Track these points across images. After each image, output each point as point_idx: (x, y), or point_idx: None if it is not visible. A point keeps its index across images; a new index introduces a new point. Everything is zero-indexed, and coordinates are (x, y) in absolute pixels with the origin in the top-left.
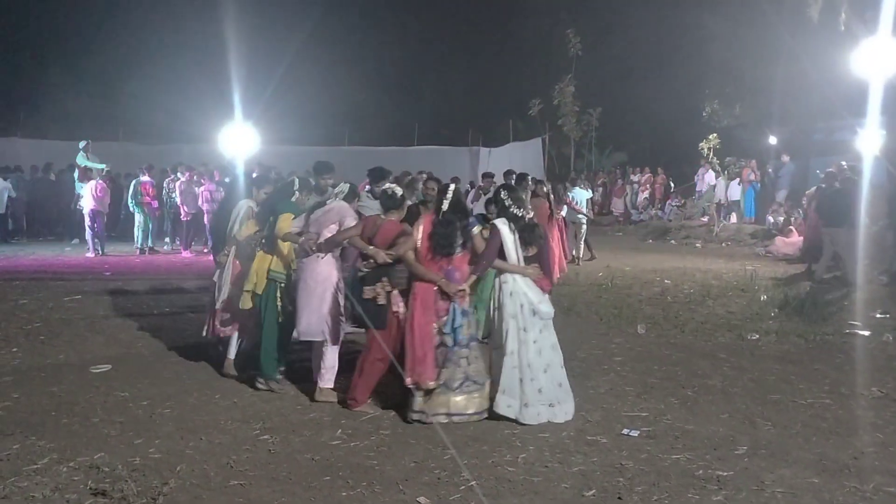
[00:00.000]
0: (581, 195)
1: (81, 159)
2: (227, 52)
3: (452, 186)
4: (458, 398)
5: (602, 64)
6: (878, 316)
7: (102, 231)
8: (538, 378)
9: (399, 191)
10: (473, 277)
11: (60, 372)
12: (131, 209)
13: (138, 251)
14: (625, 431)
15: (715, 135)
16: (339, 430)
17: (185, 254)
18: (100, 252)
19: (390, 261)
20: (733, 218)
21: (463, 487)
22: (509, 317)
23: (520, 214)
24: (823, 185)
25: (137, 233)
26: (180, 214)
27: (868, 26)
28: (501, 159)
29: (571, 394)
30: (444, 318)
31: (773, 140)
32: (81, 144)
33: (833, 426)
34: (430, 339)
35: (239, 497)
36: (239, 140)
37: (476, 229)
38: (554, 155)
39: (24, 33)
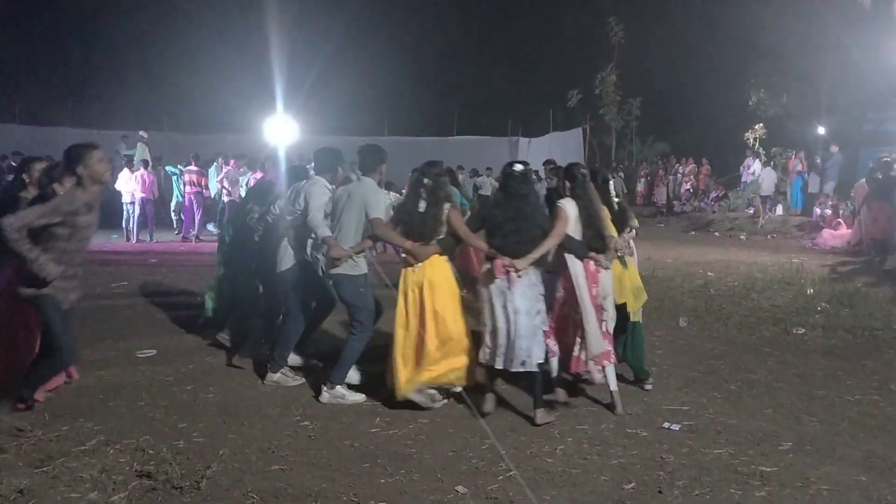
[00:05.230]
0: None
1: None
2: (269, 44)
3: None
4: None
5: (645, 52)
6: None
7: (151, 219)
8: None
9: None
10: None
11: (107, 356)
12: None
13: (194, 238)
14: (666, 425)
15: (761, 125)
16: (378, 418)
17: None
18: (149, 239)
19: None
20: (779, 210)
21: (501, 477)
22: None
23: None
24: (879, 175)
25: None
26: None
27: None
28: (541, 149)
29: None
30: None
31: (821, 130)
32: (146, 135)
33: (882, 423)
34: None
35: (279, 482)
36: (281, 130)
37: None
38: (595, 145)
39: (72, 25)
